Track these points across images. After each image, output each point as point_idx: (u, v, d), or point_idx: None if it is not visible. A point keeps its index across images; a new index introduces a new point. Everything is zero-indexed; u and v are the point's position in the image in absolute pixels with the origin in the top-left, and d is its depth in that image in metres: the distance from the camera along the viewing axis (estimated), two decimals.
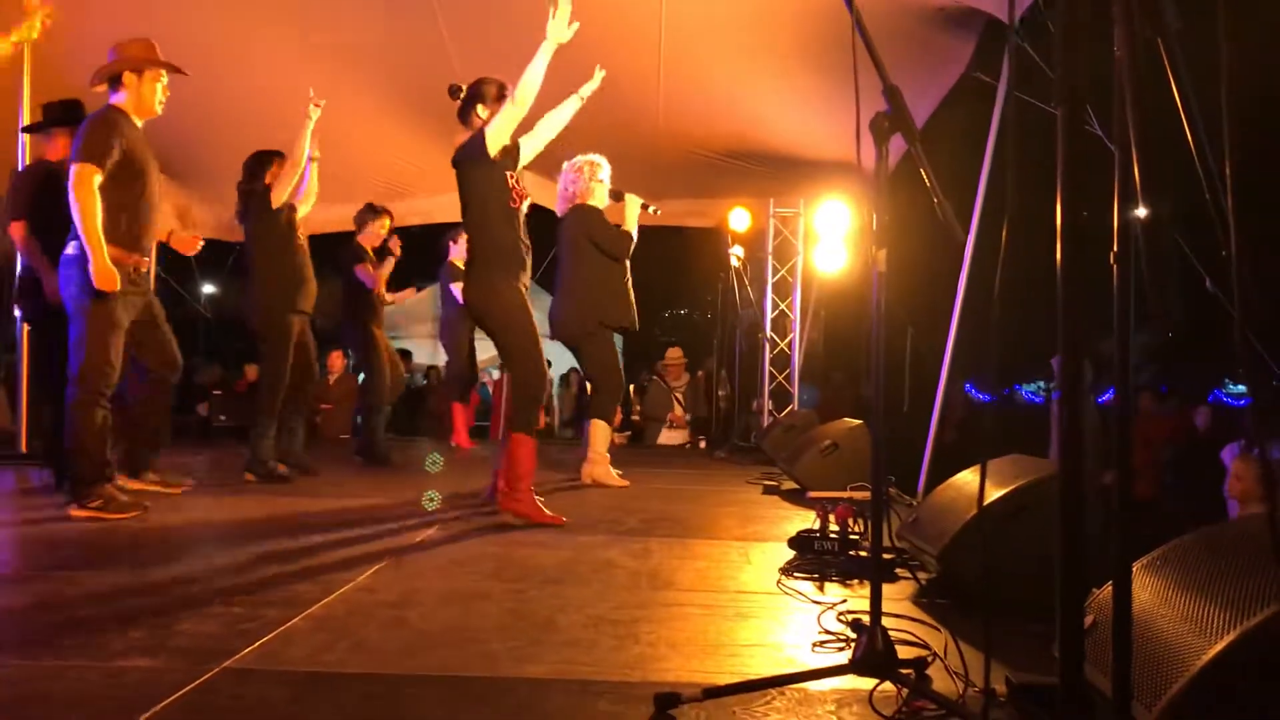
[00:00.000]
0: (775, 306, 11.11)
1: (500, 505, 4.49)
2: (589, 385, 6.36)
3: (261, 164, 6.07)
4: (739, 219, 10.09)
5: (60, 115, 5.29)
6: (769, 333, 11.00)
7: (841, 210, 9.68)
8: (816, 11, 6.47)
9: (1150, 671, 1.73)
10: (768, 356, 10.98)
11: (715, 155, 9.21)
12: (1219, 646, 1.65)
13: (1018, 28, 5.62)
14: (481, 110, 4.59)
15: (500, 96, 4.58)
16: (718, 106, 8.27)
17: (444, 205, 9.43)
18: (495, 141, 4.47)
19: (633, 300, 6.27)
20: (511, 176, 4.59)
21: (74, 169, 4.33)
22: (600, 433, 6.16)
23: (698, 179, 9.84)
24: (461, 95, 4.65)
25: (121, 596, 2.86)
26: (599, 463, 6.11)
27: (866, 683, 2.13)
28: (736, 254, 9.81)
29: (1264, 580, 1.71)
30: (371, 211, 7.59)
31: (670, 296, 28.35)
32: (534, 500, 4.45)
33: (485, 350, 14.67)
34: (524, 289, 4.56)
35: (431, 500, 4.87)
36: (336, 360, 10.62)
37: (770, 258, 11.08)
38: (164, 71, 4.67)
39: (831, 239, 9.93)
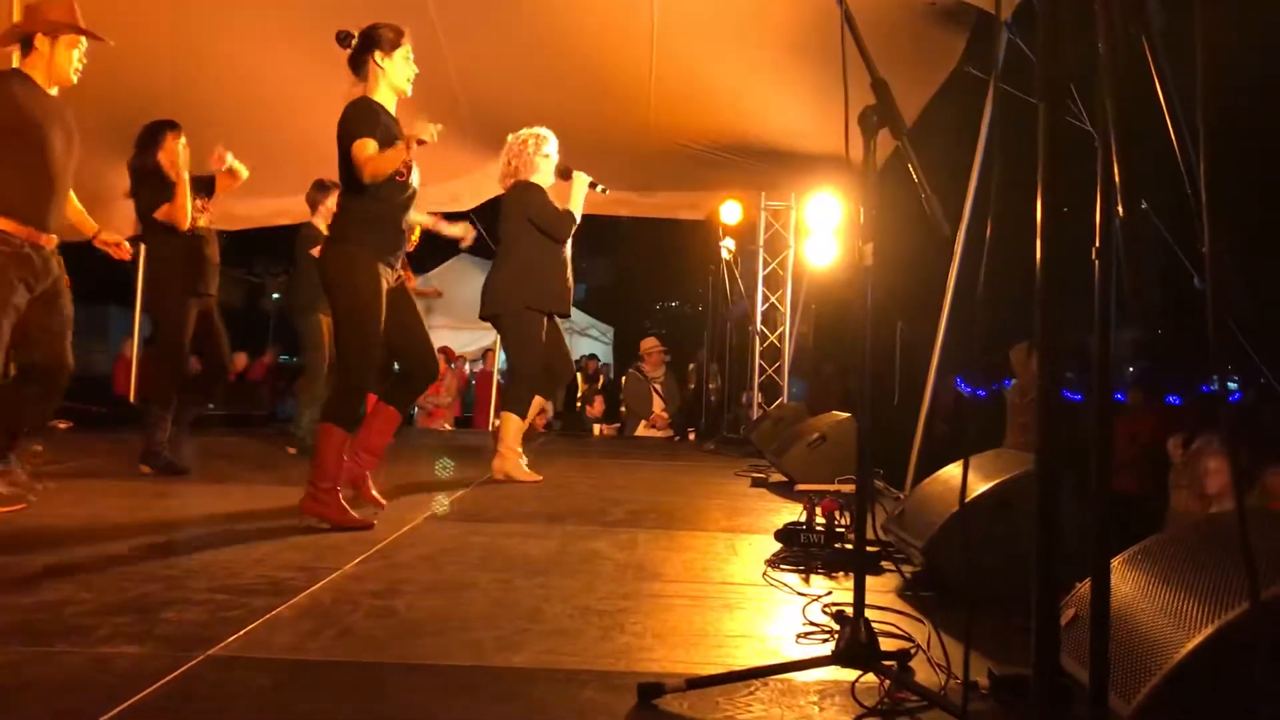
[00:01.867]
0: (766, 299, 11.11)
1: (302, 508, 3.97)
2: (512, 370, 5.97)
3: (153, 137, 5.63)
4: (730, 212, 10.09)
5: None
6: (759, 326, 11.01)
7: (833, 204, 9.68)
8: (808, 4, 6.47)
9: (1129, 665, 1.75)
10: (758, 349, 10.99)
11: (706, 148, 9.20)
12: (1197, 640, 1.67)
13: (1009, 22, 5.64)
14: (379, 58, 4.17)
15: (396, 44, 4.20)
16: (709, 98, 8.26)
17: (437, 194, 9.42)
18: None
19: (569, 285, 5.94)
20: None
21: None
22: (511, 426, 5.79)
23: (689, 171, 9.85)
24: (353, 42, 4.20)
25: (105, 583, 2.86)
26: (508, 457, 5.74)
27: (849, 674, 2.15)
28: (728, 247, 9.81)
29: (1241, 575, 1.72)
30: (321, 189, 7.10)
31: (661, 289, 28.39)
32: (339, 501, 3.96)
33: (469, 343, 14.68)
34: (388, 269, 4.16)
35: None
36: None
37: (761, 251, 11.09)
38: (82, 38, 4.30)
39: (822, 232, 9.94)
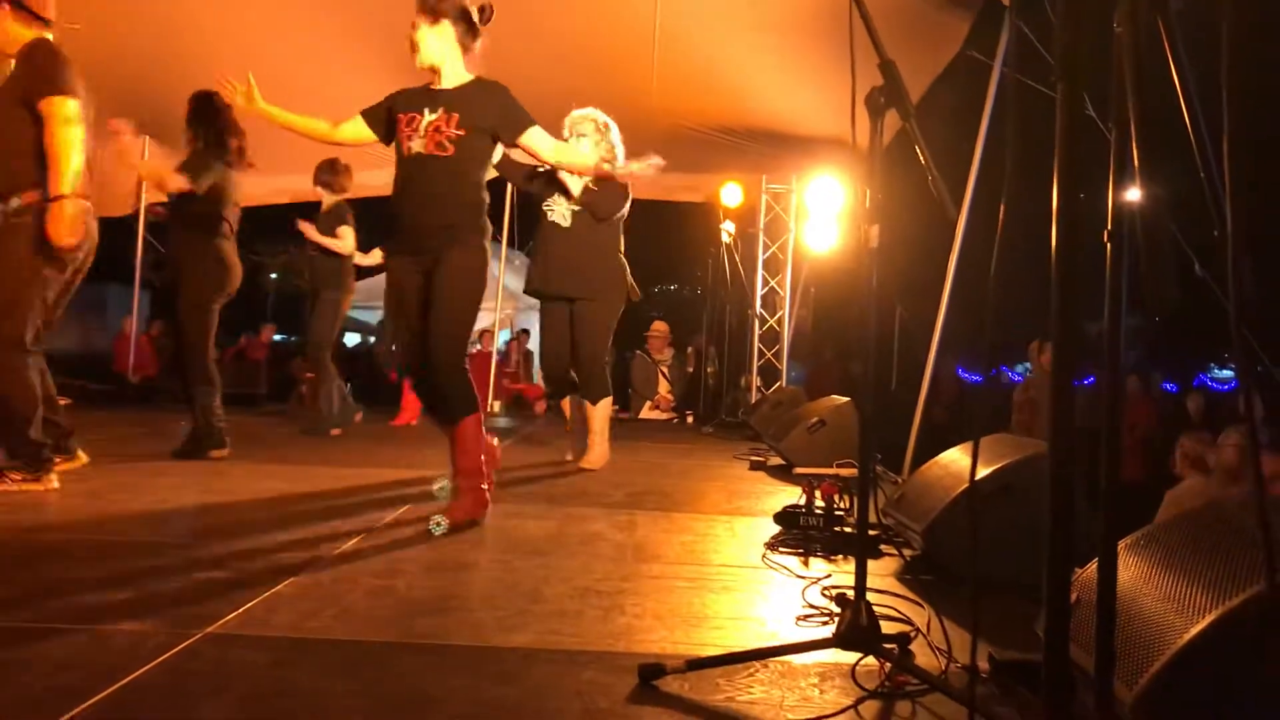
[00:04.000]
0: (765, 283, 11.09)
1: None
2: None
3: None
4: (731, 194, 10.05)
5: None
6: (759, 309, 11.00)
7: (834, 187, 9.65)
8: None
9: (1132, 650, 1.75)
10: (757, 333, 10.98)
11: (708, 130, 9.17)
12: (1199, 626, 1.67)
13: (1014, 6, 5.60)
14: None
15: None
16: (712, 80, 8.23)
17: None
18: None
19: (556, 265, 5.65)
20: (404, 117, 3.86)
21: (61, 101, 3.94)
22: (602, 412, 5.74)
23: (690, 153, 9.81)
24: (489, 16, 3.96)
25: (106, 560, 2.86)
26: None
27: (849, 657, 2.15)
28: (728, 230, 9.78)
29: (1245, 561, 1.72)
30: (335, 171, 7.20)
31: (660, 271, 28.34)
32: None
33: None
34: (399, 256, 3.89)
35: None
36: None
37: (761, 234, 11.06)
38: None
39: (823, 216, 9.91)
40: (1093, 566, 1.70)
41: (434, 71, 3.93)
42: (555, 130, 5.85)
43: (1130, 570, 1.97)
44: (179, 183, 5.16)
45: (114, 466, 4.77)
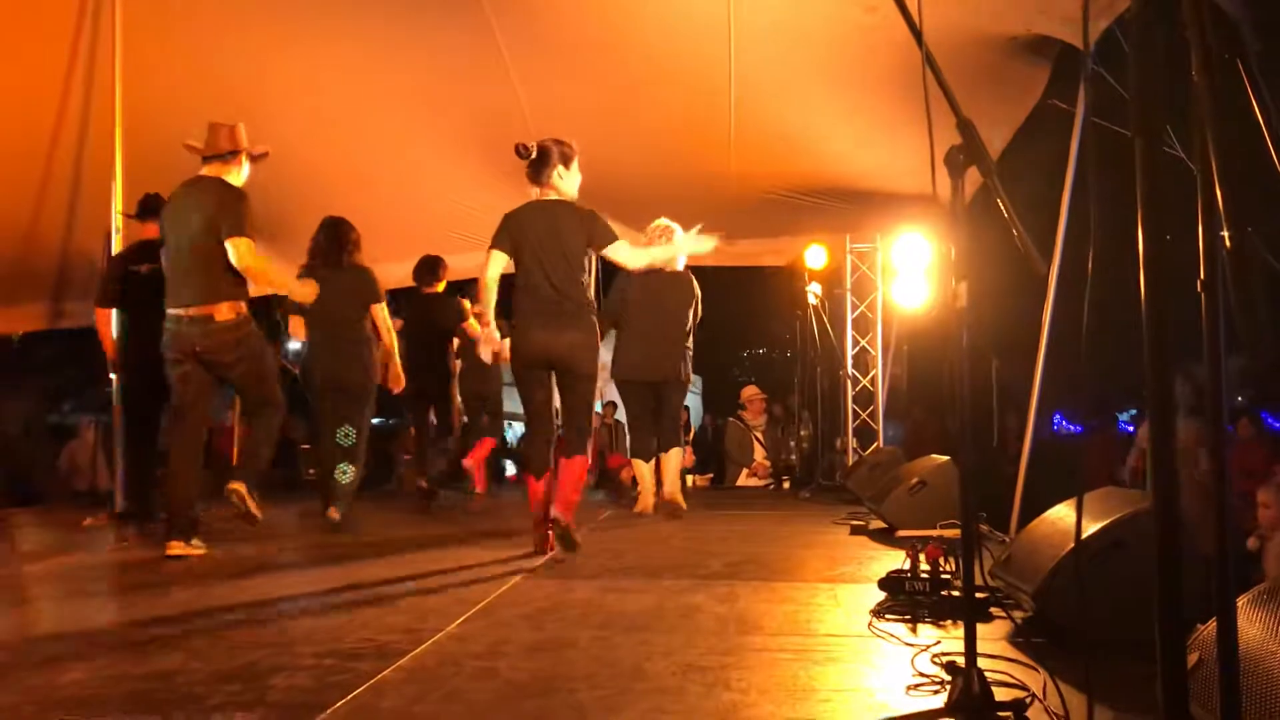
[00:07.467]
0: (856, 343, 10.99)
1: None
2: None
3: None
4: (815, 256, 10.03)
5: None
6: (850, 370, 10.88)
7: (920, 244, 9.57)
8: (887, 45, 6.44)
9: (1263, 711, 1.67)
10: (850, 394, 10.85)
11: (789, 194, 9.19)
12: None
13: (1093, 53, 5.54)
14: (562, 171, 4.79)
15: (571, 158, 4.85)
16: (790, 144, 8.26)
17: None
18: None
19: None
20: None
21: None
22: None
23: (772, 218, 9.83)
24: (532, 155, 4.73)
25: (214, 650, 2.91)
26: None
27: None
28: (814, 291, 9.75)
29: None
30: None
31: (747, 337, 28.28)
32: None
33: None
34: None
35: None
36: None
37: (849, 294, 10.98)
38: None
39: (911, 273, 9.81)
40: (1214, 624, 1.63)
41: None
42: (634, 219, 6.31)
43: (1256, 625, 1.88)
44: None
45: (216, 555, 4.85)
